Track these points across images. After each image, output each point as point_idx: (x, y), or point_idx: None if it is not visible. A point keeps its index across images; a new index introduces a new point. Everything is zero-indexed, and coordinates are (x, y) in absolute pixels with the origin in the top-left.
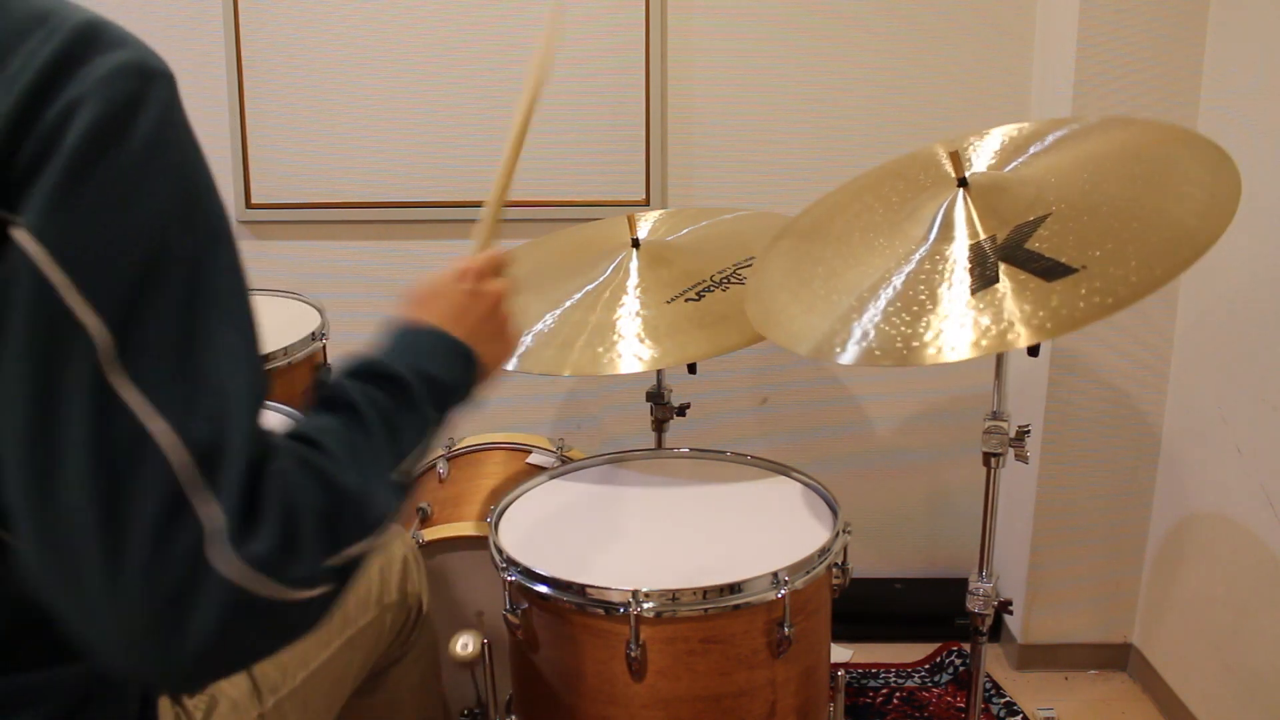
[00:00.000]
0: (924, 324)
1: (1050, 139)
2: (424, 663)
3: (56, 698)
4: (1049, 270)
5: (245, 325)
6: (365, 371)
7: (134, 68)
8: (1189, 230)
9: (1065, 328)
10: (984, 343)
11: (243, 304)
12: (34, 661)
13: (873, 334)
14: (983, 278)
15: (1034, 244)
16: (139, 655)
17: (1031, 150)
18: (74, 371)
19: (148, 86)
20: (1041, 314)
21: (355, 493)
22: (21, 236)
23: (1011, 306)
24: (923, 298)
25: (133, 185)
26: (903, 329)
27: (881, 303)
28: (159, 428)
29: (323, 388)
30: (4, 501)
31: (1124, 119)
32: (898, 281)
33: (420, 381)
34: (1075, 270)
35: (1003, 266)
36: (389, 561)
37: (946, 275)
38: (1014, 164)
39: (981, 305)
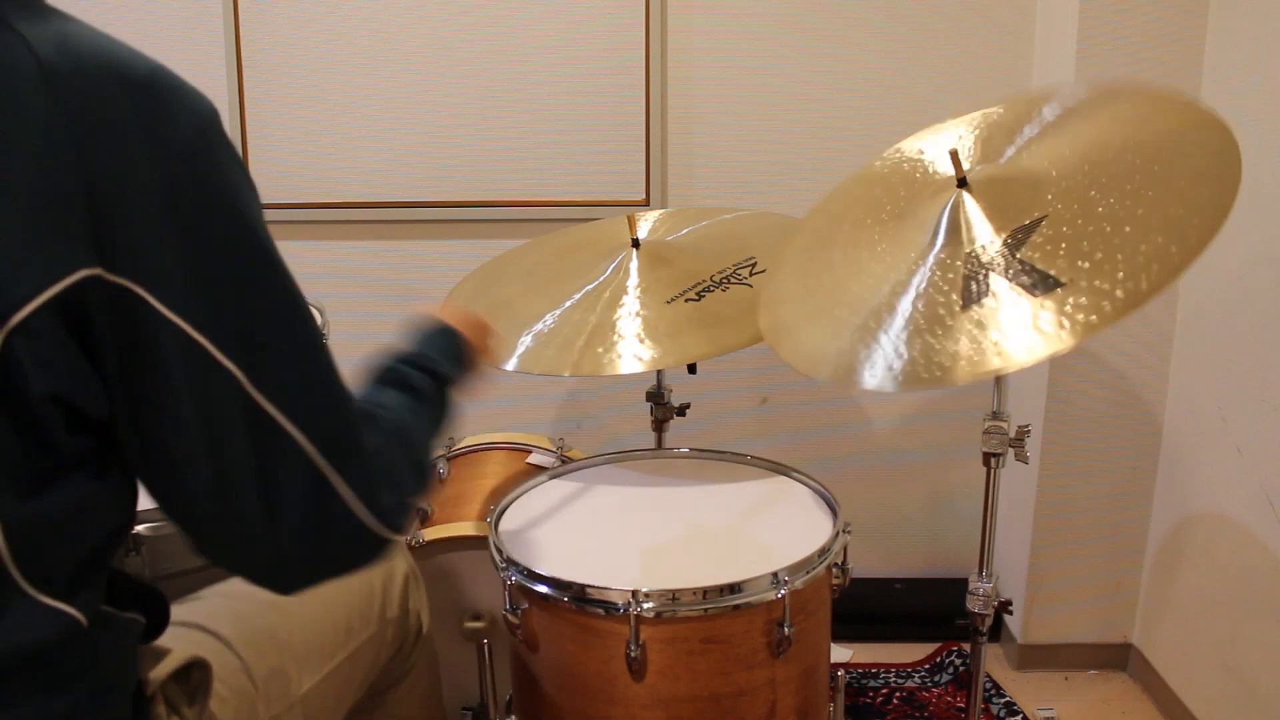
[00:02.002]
0: (916, 346)
1: (1043, 117)
2: (425, 685)
3: (40, 710)
4: (1035, 285)
5: (310, 318)
6: (417, 361)
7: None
8: (1181, 230)
9: (1049, 350)
10: (965, 365)
11: (297, 288)
12: (27, 694)
13: (894, 361)
14: (973, 293)
15: (1026, 252)
16: (282, 581)
17: (1025, 132)
18: (229, 401)
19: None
20: (1026, 336)
21: (423, 459)
22: (157, 305)
23: (996, 328)
24: (921, 320)
25: (229, 244)
26: (911, 352)
27: (892, 327)
28: (292, 428)
29: (385, 370)
30: (179, 497)
31: (1124, 90)
32: (903, 301)
33: (448, 377)
34: (1062, 284)
35: (992, 279)
36: (390, 578)
37: (943, 292)
38: (1009, 151)
39: (970, 326)
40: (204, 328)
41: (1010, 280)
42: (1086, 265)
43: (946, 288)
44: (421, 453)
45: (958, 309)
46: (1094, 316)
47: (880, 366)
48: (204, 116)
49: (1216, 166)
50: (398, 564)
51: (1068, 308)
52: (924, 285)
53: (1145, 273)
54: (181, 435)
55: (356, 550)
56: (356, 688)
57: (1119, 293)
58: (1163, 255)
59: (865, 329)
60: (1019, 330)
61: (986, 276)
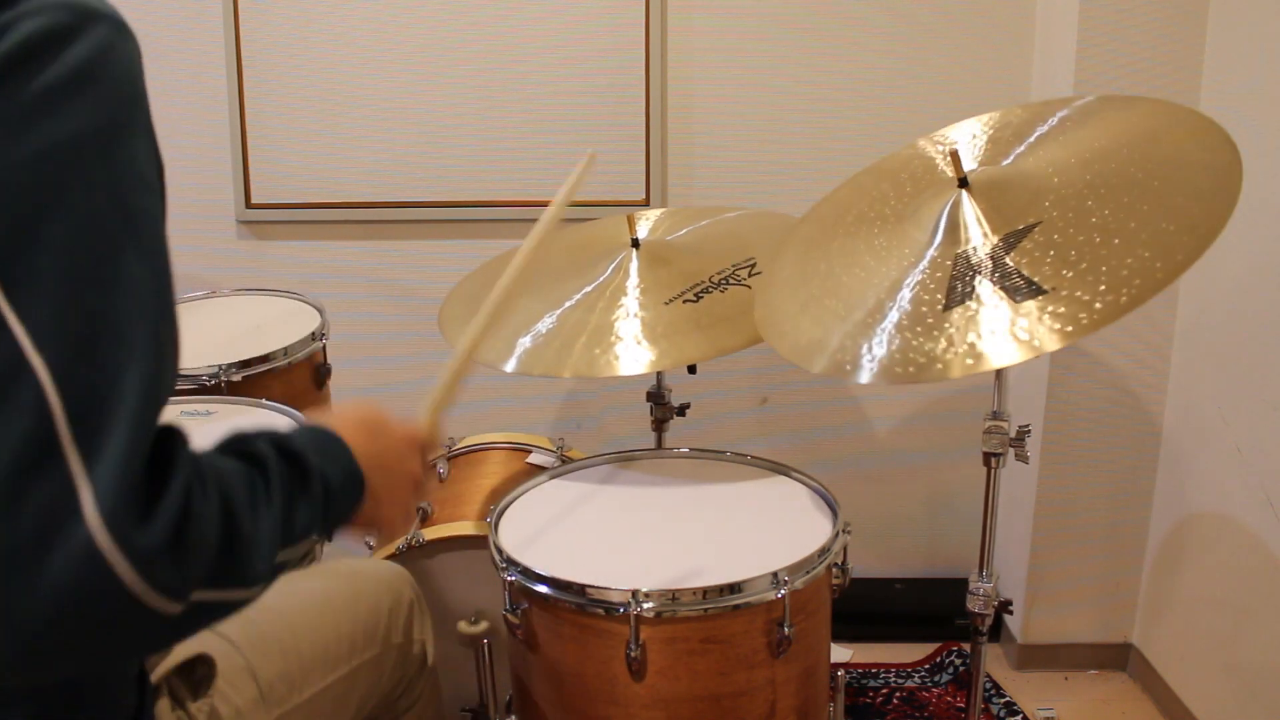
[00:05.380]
0: (896, 343)
1: (1052, 121)
2: (429, 718)
3: (42, 697)
4: (1018, 290)
5: (159, 277)
6: (284, 445)
7: (77, 6)
8: (1168, 248)
9: (1022, 357)
10: (939, 367)
11: (159, 257)
12: None
13: (876, 356)
14: (957, 294)
15: (1016, 256)
16: None
17: (1034, 136)
18: None
19: (87, 23)
20: (1001, 341)
21: (247, 539)
22: None
23: (974, 331)
24: (905, 319)
25: (43, 109)
26: (890, 348)
27: (879, 323)
28: (39, 362)
29: (237, 439)
30: None
31: (1127, 99)
32: (893, 299)
33: (321, 482)
34: (1044, 291)
35: (978, 281)
36: (397, 604)
37: (929, 291)
38: (1015, 152)
39: (949, 327)
40: None
41: (995, 284)
42: (1070, 275)
43: (934, 287)
44: (245, 524)
45: (940, 309)
46: (1070, 327)
47: (864, 361)
48: None
49: (1215, 184)
50: (404, 591)
51: (1045, 317)
52: (914, 284)
53: (1126, 287)
54: None
55: (76, 578)
56: (355, 707)
57: (1098, 304)
58: (1147, 270)
59: (856, 324)
60: (995, 335)
61: (973, 279)
